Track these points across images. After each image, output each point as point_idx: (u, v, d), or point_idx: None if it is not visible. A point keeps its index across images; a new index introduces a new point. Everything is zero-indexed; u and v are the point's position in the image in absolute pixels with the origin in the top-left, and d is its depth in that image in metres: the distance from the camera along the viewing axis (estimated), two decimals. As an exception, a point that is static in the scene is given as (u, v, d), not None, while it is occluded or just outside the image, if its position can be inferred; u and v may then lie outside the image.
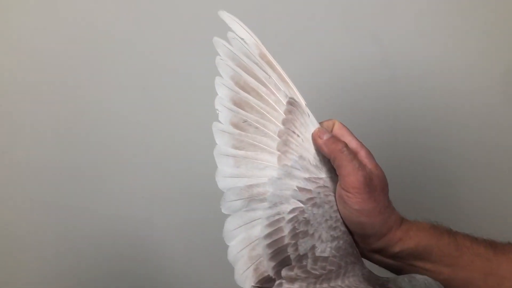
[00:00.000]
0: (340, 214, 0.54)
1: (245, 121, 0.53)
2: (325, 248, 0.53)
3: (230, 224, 0.53)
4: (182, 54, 0.93)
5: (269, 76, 0.54)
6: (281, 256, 0.53)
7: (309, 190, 0.54)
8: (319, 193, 0.54)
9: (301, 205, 0.54)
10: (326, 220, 0.54)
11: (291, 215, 0.53)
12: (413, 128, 0.97)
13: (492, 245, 0.58)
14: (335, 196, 0.55)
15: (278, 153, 0.54)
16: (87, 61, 0.93)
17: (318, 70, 0.95)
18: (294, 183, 0.54)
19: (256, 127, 0.54)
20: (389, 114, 0.96)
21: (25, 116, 0.94)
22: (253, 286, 0.52)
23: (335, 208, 0.54)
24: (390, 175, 0.57)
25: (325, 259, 0.52)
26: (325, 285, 0.51)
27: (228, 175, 0.53)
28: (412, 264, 0.56)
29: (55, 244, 0.99)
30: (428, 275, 0.55)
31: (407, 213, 0.58)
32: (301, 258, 0.53)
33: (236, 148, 0.53)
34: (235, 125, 0.53)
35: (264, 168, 0.54)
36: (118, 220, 0.98)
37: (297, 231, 0.53)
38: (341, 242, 0.53)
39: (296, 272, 0.52)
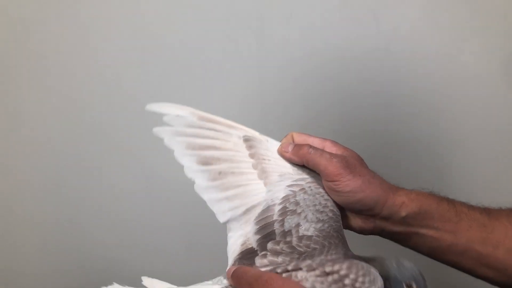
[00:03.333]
0: (332, 203, 0.59)
1: (220, 172, 0.59)
2: (309, 227, 0.57)
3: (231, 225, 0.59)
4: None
5: (216, 130, 0.60)
6: (266, 230, 0.57)
7: (300, 185, 0.60)
8: (309, 187, 0.60)
9: (293, 192, 0.59)
10: (315, 205, 0.58)
11: (283, 199, 0.58)
12: (412, 120, 1.00)
13: (486, 210, 0.62)
14: (324, 190, 0.59)
15: (262, 181, 0.60)
16: (98, 71, 1.01)
17: (316, 54, 0.99)
18: (285, 183, 0.59)
19: (233, 172, 0.59)
20: (388, 108, 1.00)
21: (28, 118, 1.02)
22: (235, 258, 0.56)
23: (326, 197, 0.59)
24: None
25: (309, 237, 0.56)
26: (308, 261, 0.53)
27: (227, 210, 0.59)
28: (418, 232, 0.60)
29: (58, 243, 1.06)
30: (434, 244, 0.60)
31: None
32: (285, 233, 0.56)
33: (225, 191, 0.59)
34: (214, 179, 0.59)
35: (257, 194, 0.59)
36: (118, 223, 1.04)
37: (286, 210, 0.58)
38: (325, 225, 0.57)
39: (281, 246, 0.55)
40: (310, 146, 0.59)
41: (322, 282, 0.51)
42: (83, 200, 1.06)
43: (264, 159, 0.60)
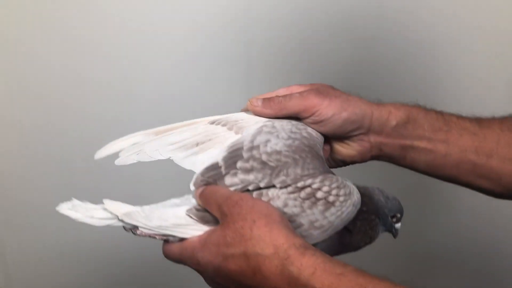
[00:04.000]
0: (311, 129, 0.58)
1: (197, 143, 0.57)
2: (277, 142, 0.55)
3: None
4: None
5: (179, 132, 0.58)
6: (234, 147, 0.55)
7: (279, 119, 0.59)
8: (289, 121, 0.58)
9: (271, 122, 0.58)
10: (290, 128, 0.57)
11: (259, 128, 0.57)
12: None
13: (476, 120, 0.61)
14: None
15: (239, 135, 0.58)
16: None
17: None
18: (263, 121, 0.58)
19: (210, 139, 0.57)
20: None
21: (25, 120, 1.04)
22: (197, 174, 0.54)
23: (304, 126, 0.58)
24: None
25: (278, 152, 0.54)
26: (282, 177, 0.52)
27: (206, 159, 0.56)
28: (413, 145, 0.61)
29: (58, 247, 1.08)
30: (429, 157, 0.60)
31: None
32: (252, 148, 0.54)
33: (205, 151, 0.56)
34: (192, 148, 0.56)
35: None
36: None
37: (260, 131, 0.57)
38: (296, 142, 0.56)
39: (251, 163, 0.53)
40: (278, 96, 0.58)
41: (295, 199, 0.51)
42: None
43: (237, 121, 0.59)
